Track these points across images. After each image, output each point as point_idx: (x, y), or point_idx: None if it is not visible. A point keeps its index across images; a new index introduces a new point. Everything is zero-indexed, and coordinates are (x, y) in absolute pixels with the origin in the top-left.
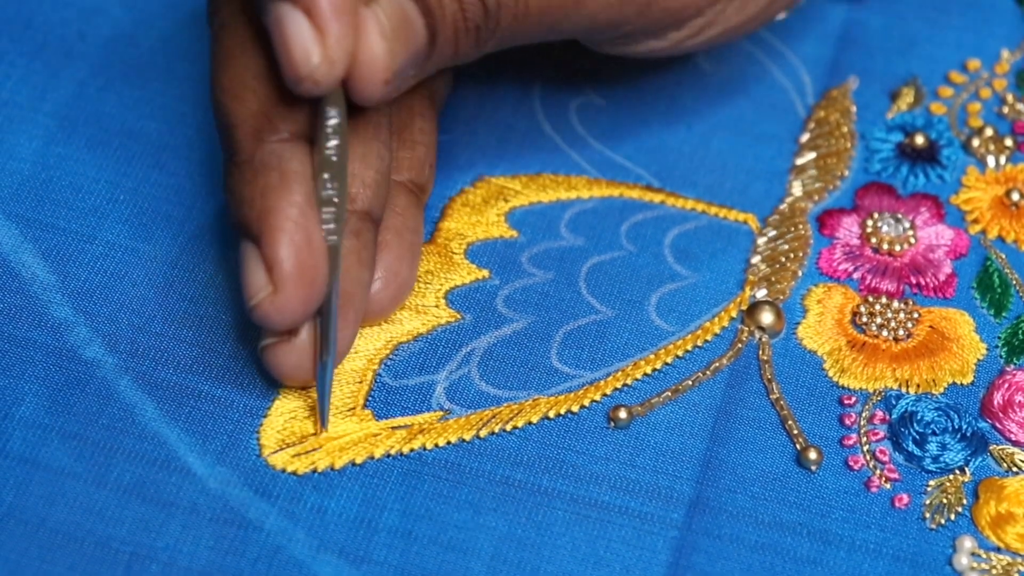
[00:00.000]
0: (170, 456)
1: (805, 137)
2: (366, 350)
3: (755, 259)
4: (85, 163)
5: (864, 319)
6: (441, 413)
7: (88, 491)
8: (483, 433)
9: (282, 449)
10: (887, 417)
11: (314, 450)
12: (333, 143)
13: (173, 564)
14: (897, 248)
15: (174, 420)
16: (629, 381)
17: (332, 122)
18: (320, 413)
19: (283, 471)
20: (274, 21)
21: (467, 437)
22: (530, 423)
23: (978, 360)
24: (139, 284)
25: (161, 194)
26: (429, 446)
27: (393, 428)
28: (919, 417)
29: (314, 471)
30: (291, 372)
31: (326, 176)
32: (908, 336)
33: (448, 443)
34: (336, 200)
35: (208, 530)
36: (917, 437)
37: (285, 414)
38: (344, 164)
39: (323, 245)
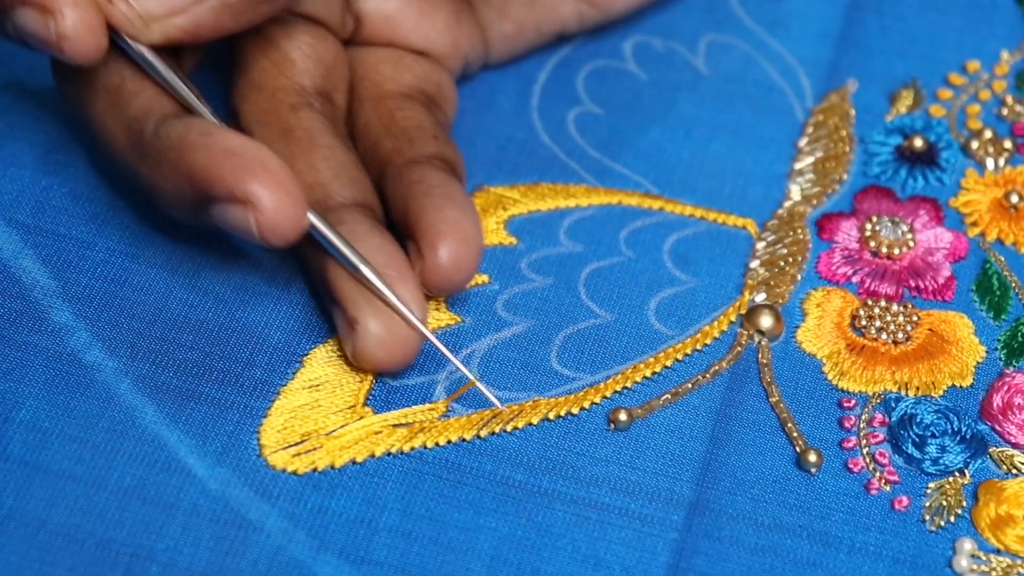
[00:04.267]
0: (170, 458)
1: (804, 141)
2: None
3: (754, 263)
4: (86, 170)
5: (863, 322)
6: (443, 408)
7: (88, 493)
8: (483, 433)
9: (283, 448)
10: (886, 420)
11: (314, 449)
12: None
13: (173, 565)
14: (896, 251)
15: (174, 422)
16: (629, 384)
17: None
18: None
19: (283, 471)
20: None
21: (467, 436)
22: (530, 424)
23: (977, 363)
24: (139, 289)
25: None
26: (430, 445)
27: (394, 426)
28: (918, 420)
29: (314, 470)
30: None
31: None
32: (907, 339)
33: (448, 442)
34: None
35: (208, 531)
36: (917, 439)
37: (286, 413)
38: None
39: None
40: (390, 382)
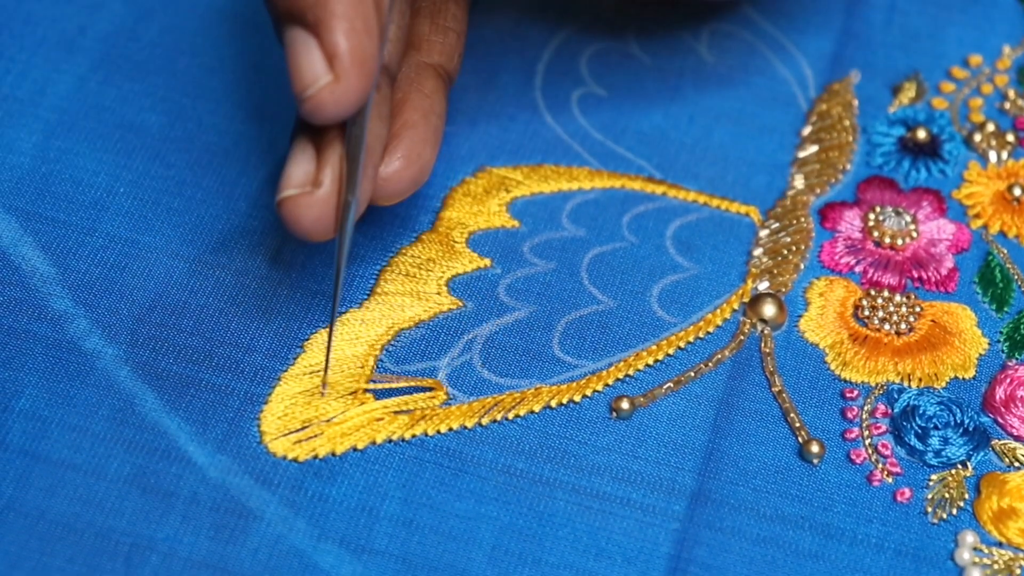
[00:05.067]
0: (170, 446)
1: (807, 130)
2: (367, 336)
3: (757, 251)
4: (85, 156)
5: (866, 312)
6: (443, 395)
7: (88, 482)
8: (484, 421)
9: (283, 435)
10: (889, 411)
11: (315, 436)
12: None
13: (173, 554)
14: (899, 242)
15: (174, 410)
16: (631, 372)
17: None
18: (336, 271)
19: (284, 458)
20: (287, 45)
21: (469, 424)
22: (532, 412)
23: (980, 355)
24: (139, 275)
25: (161, 186)
26: (431, 432)
27: (395, 413)
28: (921, 411)
29: (315, 458)
30: (311, 225)
31: None
32: (910, 330)
33: (450, 430)
34: None
35: (208, 520)
36: (919, 431)
37: (286, 400)
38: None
39: (379, 31)
40: (391, 368)
